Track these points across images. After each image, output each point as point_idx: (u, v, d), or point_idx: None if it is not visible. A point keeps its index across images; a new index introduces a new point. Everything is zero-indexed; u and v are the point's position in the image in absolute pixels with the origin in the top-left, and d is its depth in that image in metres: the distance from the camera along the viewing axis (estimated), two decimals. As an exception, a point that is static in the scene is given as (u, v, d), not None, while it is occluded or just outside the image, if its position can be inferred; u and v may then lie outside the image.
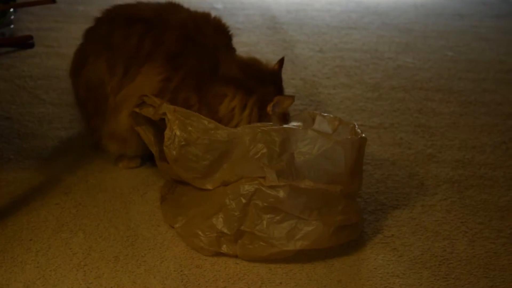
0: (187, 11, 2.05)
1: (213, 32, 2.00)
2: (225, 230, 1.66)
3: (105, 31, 2.00)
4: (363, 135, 1.77)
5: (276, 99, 1.87)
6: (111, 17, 2.04)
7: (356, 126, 1.80)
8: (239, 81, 1.89)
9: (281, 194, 1.63)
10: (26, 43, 3.09)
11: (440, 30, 3.83)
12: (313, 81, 2.89)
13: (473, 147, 2.36)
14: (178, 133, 1.71)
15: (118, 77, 1.92)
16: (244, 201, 1.65)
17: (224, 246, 1.68)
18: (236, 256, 1.68)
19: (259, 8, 4.06)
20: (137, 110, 1.85)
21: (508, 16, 4.23)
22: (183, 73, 1.89)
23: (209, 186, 1.73)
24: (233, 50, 2.05)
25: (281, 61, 1.99)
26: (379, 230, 1.84)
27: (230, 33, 2.07)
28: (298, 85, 2.83)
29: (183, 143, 1.70)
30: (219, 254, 1.68)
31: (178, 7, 2.07)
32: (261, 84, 1.90)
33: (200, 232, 1.69)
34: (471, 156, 2.29)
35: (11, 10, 3.30)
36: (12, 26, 3.29)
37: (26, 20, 3.49)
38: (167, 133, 1.72)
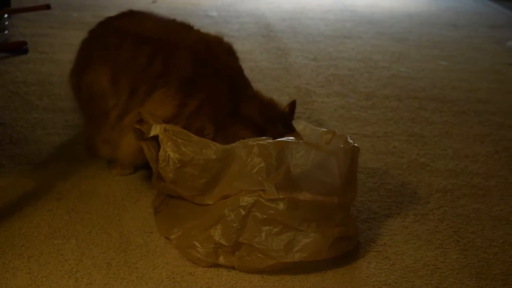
0: (198, 32, 2.04)
1: (226, 56, 1.99)
2: (223, 242, 1.65)
3: (114, 43, 1.97)
4: (356, 144, 1.77)
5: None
6: (122, 29, 2.00)
7: (349, 137, 1.80)
8: (258, 126, 1.89)
9: (281, 206, 1.63)
10: (20, 49, 3.09)
11: (434, 39, 3.85)
12: (307, 89, 2.90)
13: (466, 157, 2.37)
14: (171, 155, 1.70)
15: (124, 96, 1.91)
16: (243, 212, 1.65)
17: (222, 257, 1.67)
18: (233, 268, 1.67)
19: (253, 16, 4.07)
20: (137, 126, 1.84)
21: (502, 27, 4.25)
22: (199, 99, 1.87)
23: (209, 202, 1.72)
24: (247, 79, 2.04)
25: (292, 105, 2.00)
26: (372, 239, 1.84)
27: (239, 58, 2.06)
28: (292, 93, 2.83)
29: (178, 165, 1.70)
30: (216, 265, 1.68)
31: (188, 27, 2.06)
32: (273, 124, 1.91)
33: (197, 244, 1.68)
34: (464, 166, 2.30)
35: (6, 16, 3.30)
36: (6, 31, 3.29)
37: (21, 26, 3.49)
38: (161, 154, 1.72)
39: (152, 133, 1.76)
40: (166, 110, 1.87)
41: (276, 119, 1.94)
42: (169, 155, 1.70)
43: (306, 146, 1.68)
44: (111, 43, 1.98)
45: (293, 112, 2.01)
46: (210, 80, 1.90)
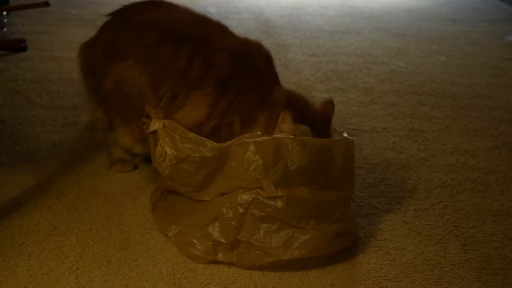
0: (236, 36, 2.02)
1: (263, 60, 1.96)
2: (222, 239, 1.65)
3: (152, 40, 1.93)
4: (350, 137, 1.78)
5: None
6: (159, 23, 1.97)
7: (345, 133, 1.80)
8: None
9: (279, 204, 1.63)
10: (19, 46, 3.09)
11: (433, 35, 3.84)
12: (306, 85, 2.90)
13: (466, 152, 2.37)
14: (168, 151, 1.70)
15: (164, 101, 1.88)
16: (241, 210, 1.65)
17: (220, 254, 1.67)
18: (232, 264, 1.68)
19: (252, 12, 4.06)
20: (145, 120, 1.84)
21: (501, 21, 4.25)
22: (232, 95, 1.84)
23: (206, 198, 1.72)
24: (280, 84, 1.99)
25: (327, 106, 1.89)
26: (372, 234, 1.84)
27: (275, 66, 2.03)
28: (292, 89, 2.82)
29: (174, 161, 1.70)
30: (215, 261, 1.68)
31: (224, 27, 2.04)
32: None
33: (195, 241, 1.68)
34: (463, 161, 2.30)
35: (4, 13, 3.30)
36: (5, 29, 3.29)
37: (19, 23, 3.49)
38: (158, 150, 1.72)
39: (151, 129, 1.76)
40: (200, 112, 1.84)
41: (300, 108, 1.85)
42: (165, 151, 1.70)
43: (300, 141, 1.68)
44: (149, 39, 1.93)
45: (327, 113, 1.88)
46: (246, 76, 1.88)
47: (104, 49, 2.01)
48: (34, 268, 1.62)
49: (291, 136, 1.69)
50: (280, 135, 1.71)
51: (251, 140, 1.68)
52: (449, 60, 3.38)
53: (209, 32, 1.97)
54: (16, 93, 2.61)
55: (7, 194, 1.93)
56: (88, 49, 2.07)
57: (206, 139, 1.71)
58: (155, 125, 1.75)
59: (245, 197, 1.65)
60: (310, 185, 1.66)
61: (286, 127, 1.73)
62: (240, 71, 1.88)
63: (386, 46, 3.55)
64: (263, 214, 1.64)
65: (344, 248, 1.73)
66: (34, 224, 1.80)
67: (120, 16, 2.07)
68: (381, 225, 1.89)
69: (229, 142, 1.70)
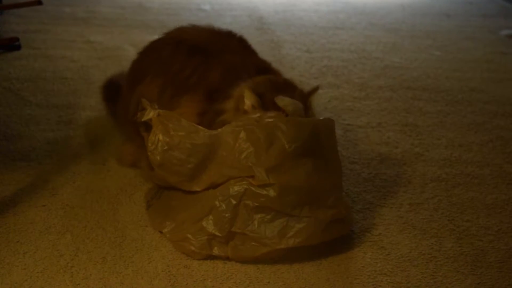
0: (247, 54, 2.07)
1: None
2: (216, 232, 1.66)
3: (168, 54, 2.00)
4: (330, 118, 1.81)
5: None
6: (178, 39, 2.04)
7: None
8: None
9: (271, 193, 1.63)
10: (12, 45, 3.08)
11: (427, 29, 3.85)
12: (300, 81, 2.89)
13: (460, 146, 2.37)
14: (160, 137, 1.71)
15: (165, 100, 1.92)
16: (234, 202, 1.65)
17: (216, 248, 1.67)
18: (228, 259, 1.68)
19: (246, 9, 4.06)
20: (138, 115, 1.84)
21: (495, 16, 4.25)
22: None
23: (197, 188, 1.72)
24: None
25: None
26: (367, 229, 1.85)
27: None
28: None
29: (165, 147, 1.71)
30: (211, 257, 1.68)
31: (243, 47, 2.10)
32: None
33: (190, 236, 1.68)
34: (458, 155, 2.30)
35: (-3, 12, 3.29)
36: (-2, 28, 3.28)
37: (13, 22, 3.48)
38: (151, 138, 1.72)
39: (145, 117, 1.77)
40: (191, 120, 1.85)
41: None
42: (158, 138, 1.71)
43: (294, 122, 1.69)
44: (165, 52, 2.01)
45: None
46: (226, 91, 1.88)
47: (129, 79, 2.09)
48: (29, 266, 1.62)
49: (286, 117, 1.70)
50: (270, 119, 1.70)
51: (241, 128, 1.68)
52: (443, 55, 3.38)
53: (224, 47, 2.02)
54: (10, 92, 2.61)
55: (1, 192, 1.92)
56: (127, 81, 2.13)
57: (199, 126, 1.72)
58: (150, 114, 1.76)
59: (237, 188, 1.66)
60: (302, 166, 1.66)
61: (248, 101, 1.75)
62: (228, 83, 1.89)
63: (380, 41, 3.55)
64: (256, 204, 1.64)
65: (339, 243, 1.74)
66: (29, 222, 1.79)
67: (150, 45, 2.13)
68: (376, 219, 1.89)
69: (219, 130, 1.70)
